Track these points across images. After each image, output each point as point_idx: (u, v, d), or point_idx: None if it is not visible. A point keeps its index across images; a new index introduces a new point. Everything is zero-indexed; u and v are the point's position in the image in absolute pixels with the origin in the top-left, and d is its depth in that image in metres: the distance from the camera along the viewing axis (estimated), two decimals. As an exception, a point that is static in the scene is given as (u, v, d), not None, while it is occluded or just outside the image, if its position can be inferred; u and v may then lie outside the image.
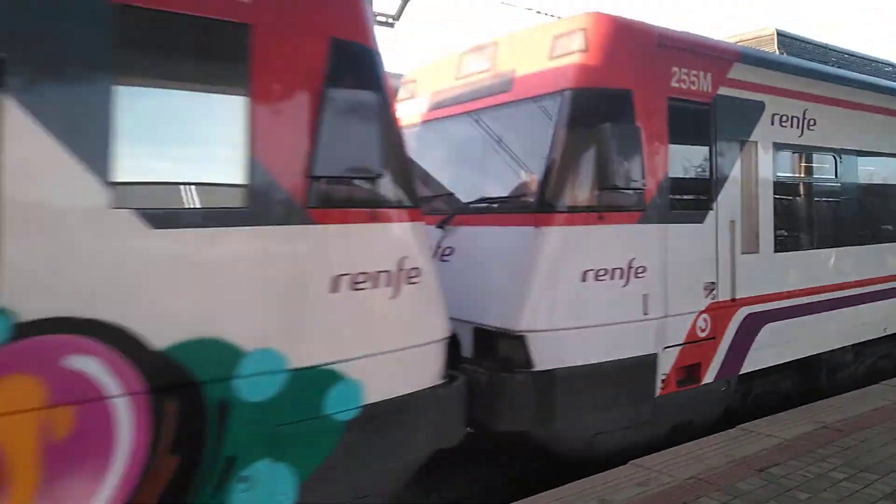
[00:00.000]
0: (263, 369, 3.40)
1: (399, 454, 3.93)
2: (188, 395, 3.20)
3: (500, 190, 5.34)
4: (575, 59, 5.13)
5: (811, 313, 6.59)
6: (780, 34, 7.80)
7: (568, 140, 4.96)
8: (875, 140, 7.56)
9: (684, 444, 5.20)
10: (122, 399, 3.02)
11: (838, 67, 7.78)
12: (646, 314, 5.19)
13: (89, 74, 2.99)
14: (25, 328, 2.79)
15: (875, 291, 7.36)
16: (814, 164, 6.98)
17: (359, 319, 3.72)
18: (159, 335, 3.12)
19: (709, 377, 5.69)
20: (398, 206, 3.92)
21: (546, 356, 4.76)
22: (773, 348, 6.21)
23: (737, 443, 5.19)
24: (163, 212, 3.17)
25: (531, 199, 5.03)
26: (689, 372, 5.54)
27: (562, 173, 4.94)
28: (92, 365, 2.95)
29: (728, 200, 5.88)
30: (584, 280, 4.90)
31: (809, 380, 6.87)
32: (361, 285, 3.71)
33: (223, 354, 3.28)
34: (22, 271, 2.81)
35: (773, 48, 7.54)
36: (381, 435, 3.79)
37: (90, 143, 2.96)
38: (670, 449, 5.06)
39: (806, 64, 7.01)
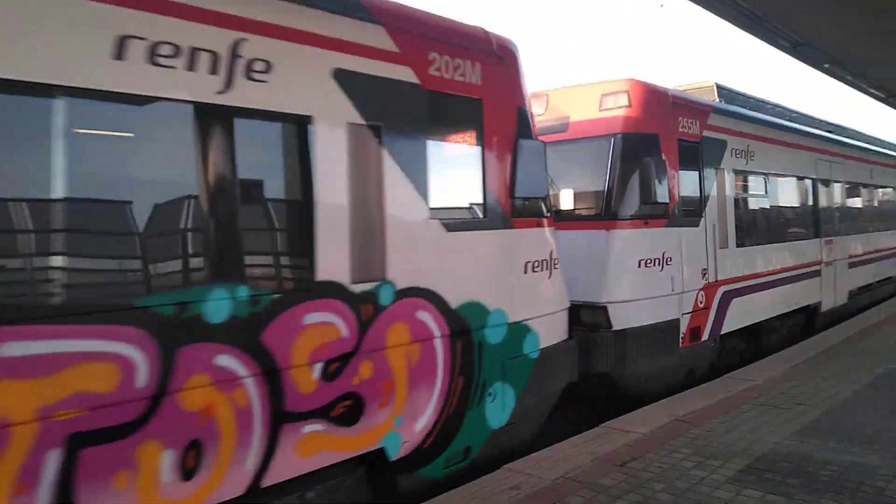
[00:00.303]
0: (498, 322, 5.11)
1: (553, 383, 5.74)
2: (466, 338, 4.86)
3: (578, 204, 7.10)
4: (621, 112, 7.26)
5: (758, 291, 8.99)
6: (719, 86, 10.36)
7: (622, 169, 7.07)
8: (790, 167, 10.47)
9: (553, 445, 5.42)
10: (439, 339, 4.66)
11: (763, 114, 10.62)
12: (673, 290, 7.36)
13: (419, 135, 4.64)
14: (399, 293, 4.40)
15: (793, 276, 10.01)
16: (753, 184, 9.42)
17: (536, 291, 5.51)
18: (453, 298, 4.77)
19: (705, 336, 7.94)
20: (548, 216, 5.72)
21: (619, 320, 6.86)
22: (737, 316, 8.52)
23: (600, 440, 5.49)
24: (450, 221, 4.83)
25: (601, 211, 7.11)
26: (694, 332, 7.72)
27: (620, 192, 7.05)
28: (426, 317, 4.58)
29: (711, 210, 8.17)
30: (638, 266, 7.03)
31: (754, 341, 9.21)
32: (536, 268, 5.50)
33: (481, 311, 4.99)
34: (396, 259, 4.39)
35: (712, 97, 9.73)
36: (547, 370, 5.59)
37: (421, 180, 4.60)
38: (539, 451, 5.25)
39: (749, 112, 9.77)
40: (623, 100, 7.30)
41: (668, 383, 7.38)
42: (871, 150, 15.08)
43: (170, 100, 3.38)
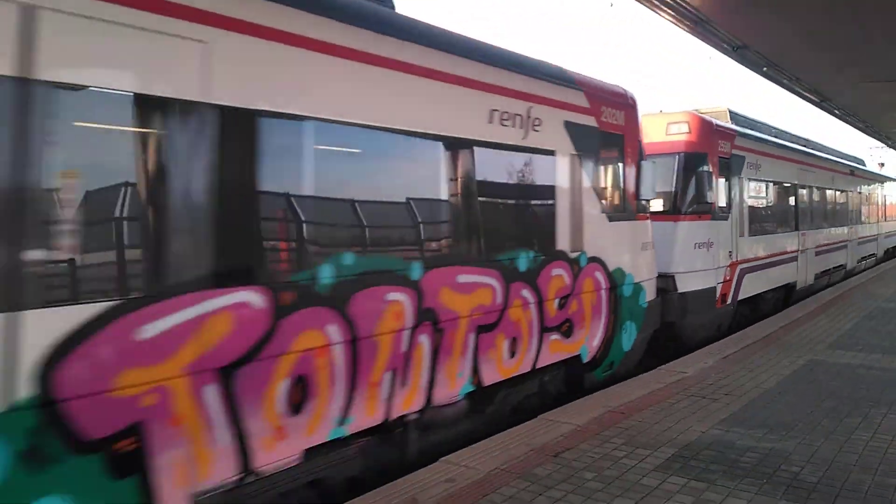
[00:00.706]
0: (629, 282, 7.65)
1: (650, 327, 8.32)
2: (615, 291, 7.37)
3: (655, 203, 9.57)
4: (683, 137, 10.27)
5: (760, 270, 12.10)
6: (731, 112, 12.59)
7: (683, 179, 10.09)
8: (781, 174, 13.66)
9: (491, 436, 5.53)
10: (604, 290, 7.18)
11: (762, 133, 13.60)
12: (713, 266, 10.29)
13: (595, 159, 7.13)
14: (589, 259, 6.89)
15: (781, 259, 13.24)
16: (760, 189, 12.72)
17: (646, 263, 8.09)
18: (611, 265, 7.28)
19: (728, 301, 10.91)
20: (647, 210, 8.25)
21: (682, 286, 9.67)
22: (747, 288, 11.56)
23: (536, 432, 5.63)
24: (610, 214, 7.33)
25: (670, 207, 10.03)
26: (723, 297, 10.68)
27: (682, 195, 10.06)
28: (599, 275, 7.09)
29: (735, 208, 11.17)
30: (694, 248, 10.00)
31: (754, 308, 12.21)
32: (645, 248, 8.06)
33: (622, 274, 7.51)
34: (587, 237, 6.88)
35: (725, 120, 11.97)
36: (649, 317, 8.21)
37: (597, 188, 7.13)
38: (477, 444, 5.35)
39: (757, 134, 12.96)
40: (684, 128, 10.30)
41: (706, 335, 10.27)
42: (831, 159, 18.31)
43: (508, 145, 6.02)
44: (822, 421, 5.92)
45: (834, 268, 17.27)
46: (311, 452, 4.29)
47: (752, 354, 8.69)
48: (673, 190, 10.00)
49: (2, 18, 2.97)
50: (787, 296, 13.76)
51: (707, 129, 10.40)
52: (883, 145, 33.21)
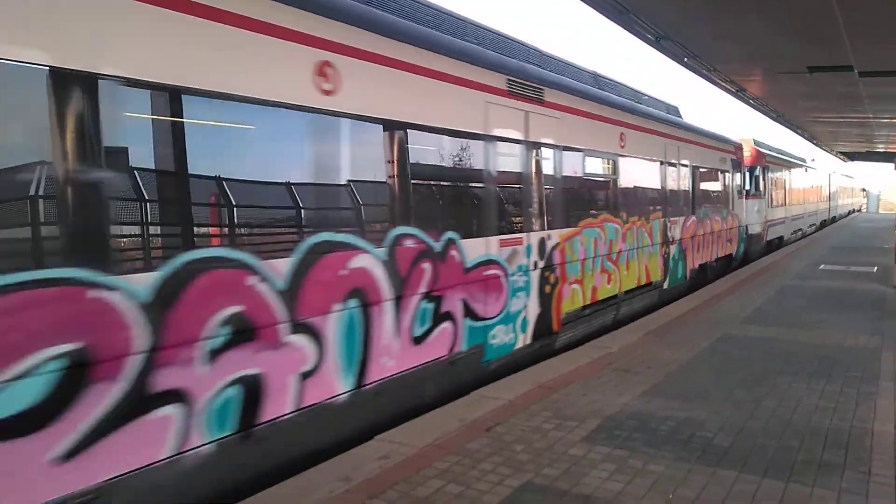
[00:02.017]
0: (744, 225, 19.05)
1: (746, 246, 19.04)
2: (742, 228, 18.59)
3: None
4: (749, 155, 19.46)
5: (774, 226, 23.16)
6: (755, 141, 21.23)
7: (750, 178, 19.22)
8: (777, 171, 23.94)
9: (424, 414, 5.60)
10: (741, 227, 18.42)
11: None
12: (761, 221, 20.60)
13: (733, 174, 17.42)
14: (736, 214, 17.51)
15: (781, 220, 24.82)
16: (773, 180, 22.83)
17: (751, 218, 19.44)
18: (741, 216, 18.68)
19: (764, 240, 21.50)
20: (751, 194, 19.97)
21: (750, 230, 19.27)
22: (770, 233, 22.33)
23: (470, 408, 5.75)
24: (740, 195, 17.93)
25: (746, 193, 18.51)
26: (762, 237, 21.24)
27: (751, 186, 19.32)
28: (738, 220, 17.88)
29: (765, 192, 20.94)
30: (756, 212, 19.91)
31: (769, 245, 22.50)
32: (748, 211, 18.96)
33: (742, 221, 18.73)
34: (743, 213, 18.45)
35: (750, 145, 20.26)
36: (747, 242, 18.99)
37: (737, 183, 17.88)
38: (411, 421, 5.42)
39: (769, 152, 22.56)
40: (749, 152, 19.53)
41: (759, 254, 20.52)
42: (799, 163, 30.43)
43: (718, 169, 15.82)
44: (734, 390, 6.32)
45: (799, 230, 29.56)
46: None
47: (672, 330, 9.15)
48: (748, 184, 18.84)
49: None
50: (779, 244, 24.58)
51: (757, 151, 20.47)
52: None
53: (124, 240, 3.76)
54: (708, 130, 15.20)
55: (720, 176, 15.78)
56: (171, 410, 3.76)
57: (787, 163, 26.48)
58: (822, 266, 17.55)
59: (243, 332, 4.15)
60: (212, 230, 4.28)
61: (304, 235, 4.72)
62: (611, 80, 11.72)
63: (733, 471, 4.47)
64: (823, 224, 39.05)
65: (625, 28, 11.33)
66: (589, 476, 4.37)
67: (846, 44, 10.82)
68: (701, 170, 14.05)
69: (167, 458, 3.74)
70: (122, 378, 3.51)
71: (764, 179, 20.73)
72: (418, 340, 5.77)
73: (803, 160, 32.33)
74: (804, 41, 11.20)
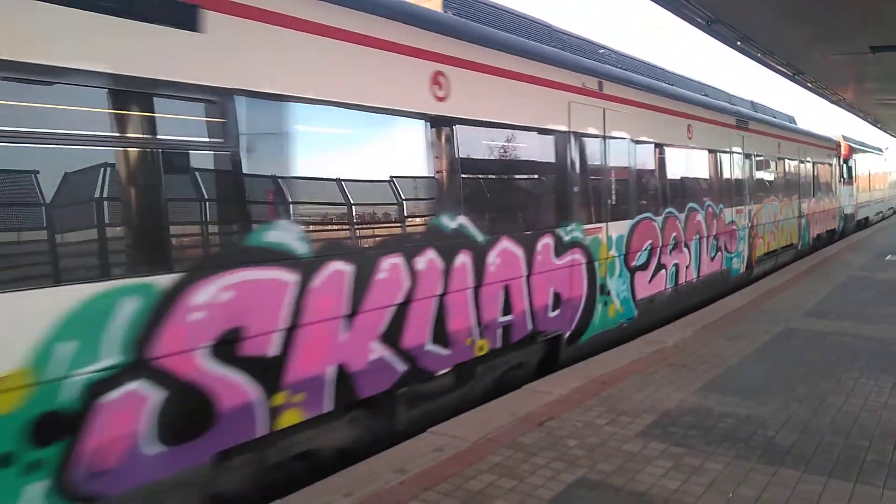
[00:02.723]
0: (843, 206, 23.76)
1: (844, 224, 23.77)
2: (841, 209, 23.35)
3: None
4: (845, 150, 22.99)
5: (863, 207, 27.65)
6: (844, 136, 24.06)
7: (846, 169, 23.29)
8: (867, 165, 28.01)
9: (477, 407, 5.62)
10: (841, 208, 22.93)
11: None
12: (853, 203, 25.01)
13: (839, 163, 22.76)
14: (838, 198, 22.33)
15: (866, 204, 28.42)
16: (859, 169, 25.86)
17: (848, 200, 24.12)
18: (841, 199, 23.18)
19: (855, 219, 25.69)
20: (847, 182, 24.55)
21: (846, 211, 23.90)
22: (858, 215, 26.43)
23: (521, 401, 5.73)
24: (839, 182, 22.29)
25: (837, 182, 22.34)
26: (854, 216, 25.31)
27: (847, 175, 23.46)
28: (837, 202, 22.58)
29: (853, 181, 24.89)
30: (850, 196, 24.26)
31: (862, 226, 27.49)
32: (846, 195, 23.86)
33: (840, 202, 23.14)
34: (836, 190, 22.07)
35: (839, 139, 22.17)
36: (845, 220, 24.07)
37: (840, 172, 22.81)
38: (464, 414, 5.44)
39: (859, 145, 26.68)
40: (843, 146, 22.69)
41: (853, 231, 24.78)
42: (870, 149, 30.30)
43: (824, 163, 20.36)
44: (797, 387, 6.10)
45: (880, 213, 32.92)
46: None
47: (730, 324, 8.89)
48: (843, 173, 22.48)
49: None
50: (866, 222, 27.78)
51: (849, 146, 23.53)
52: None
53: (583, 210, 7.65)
54: (821, 134, 20.89)
55: (828, 168, 20.82)
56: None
57: (868, 153, 29.38)
58: (888, 257, 16.73)
59: (671, 247, 9.72)
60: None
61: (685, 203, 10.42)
62: (768, 107, 17.56)
63: (796, 470, 4.32)
64: None
65: (674, 13, 11.02)
66: (644, 473, 4.30)
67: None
68: (818, 164, 19.32)
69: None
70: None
71: (853, 169, 24.65)
72: (713, 259, 11.34)
73: (880, 150, 34.02)
74: (866, 19, 10.67)
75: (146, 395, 3.56)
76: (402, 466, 4.40)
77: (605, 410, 5.51)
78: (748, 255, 13.06)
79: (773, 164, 15.02)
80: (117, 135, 3.58)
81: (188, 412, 3.74)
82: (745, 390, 5.99)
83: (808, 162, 18.01)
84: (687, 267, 10.21)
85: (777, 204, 15.02)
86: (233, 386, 3.95)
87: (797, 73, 16.59)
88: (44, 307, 3.21)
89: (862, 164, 26.75)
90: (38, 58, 3.25)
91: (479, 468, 4.38)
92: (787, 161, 16.06)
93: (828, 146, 20.87)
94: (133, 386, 3.49)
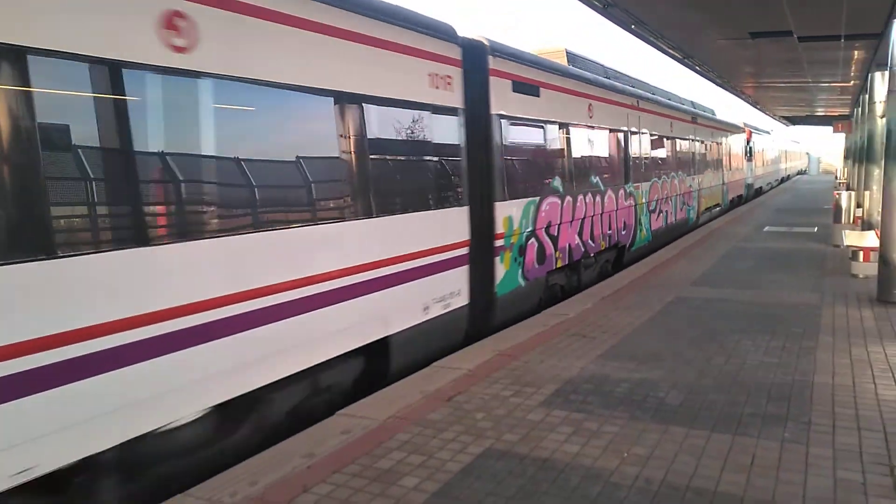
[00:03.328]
0: None
1: None
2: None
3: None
4: (746, 134, 30.46)
5: (759, 179, 34.85)
6: (746, 123, 30.71)
7: (748, 150, 30.14)
8: (719, 138, 24.25)
9: (384, 388, 5.63)
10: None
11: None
12: (753, 176, 32.10)
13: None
14: (748, 182, 31.36)
15: (764, 178, 37.24)
16: (754, 148, 31.57)
17: None
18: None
19: (753, 188, 32.42)
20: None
21: None
22: (756, 184, 33.26)
23: (430, 379, 5.81)
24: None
25: (747, 158, 30.18)
26: (752, 186, 32.06)
27: (748, 155, 30.08)
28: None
29: (752, 157, 31.45)
30: (749, 170, 31.26)
31: (760, 193, 35.19)
32: None
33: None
34: (749, 172, 31.24)
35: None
36: None
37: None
38: (372, 395, 5.44)
39: (753, 129, 32.96)
40: (747, 131, 29.45)
41: (753, 197, 31.56)
42: (760, 129, 35.65)
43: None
44: (685, 350, 6.55)
45: (769, 183, 39.83)
46: None
47: (626, 295, 9.38)
48: (747, 153, 28.20)
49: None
50: (759, 191, 33.29)
51: (750, 131, 28.62)
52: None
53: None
54: (734, 122, 26.66)
55: (739, 149, 27.02)
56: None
57: (762, 135, 35.68)
58: (766, 228, 18.18)
59: (664, 200, 15.84)
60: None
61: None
62: (703, 105, 22.96)
63: (684, 427, 4.65)
64: (783, 180, 50.94)
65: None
66: (547, 440, 4.49)
67: (785, 9, 11.07)
68: (731, 146, 25.27)
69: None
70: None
71: (752, 149, 30.44)
72: (681, 210, 17.59)
73: (768, 132, 40.68)
74: (747, 7, 11.41)
75: (533, 244, 8.78)
76: (310, 451, 4.35)
77: (511, 382, 5.68)
78: (697, 209, 19.52)
79: (708, 147, 21.04)
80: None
81: (540, 252, 9.04)
82: (639, 356, 6.35)
83: (727, 144, 24.47)
84: (671, 213, 16.46)
85: (711, 175, 21.38)
86: (547, 245, 9.22)
87: (686, 57, 17.53)
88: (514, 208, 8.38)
89: (758, 145, 33.44)
90: None
91: (389, 447, 4.41)
92: (715, 144, 22.22)
93: (738, 131, 27.38)
94: (532, 240, 8.73)
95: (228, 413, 4.53)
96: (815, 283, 9.97)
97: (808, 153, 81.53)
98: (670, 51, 16.03)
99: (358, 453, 4.31)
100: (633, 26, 13.54)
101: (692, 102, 21.04)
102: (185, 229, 4.12)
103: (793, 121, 46.60)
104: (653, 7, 12.08)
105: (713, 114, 23.40)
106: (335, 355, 5.36)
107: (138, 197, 3.86)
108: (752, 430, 4.57)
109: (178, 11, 4.03)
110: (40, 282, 3.36)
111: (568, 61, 11.32)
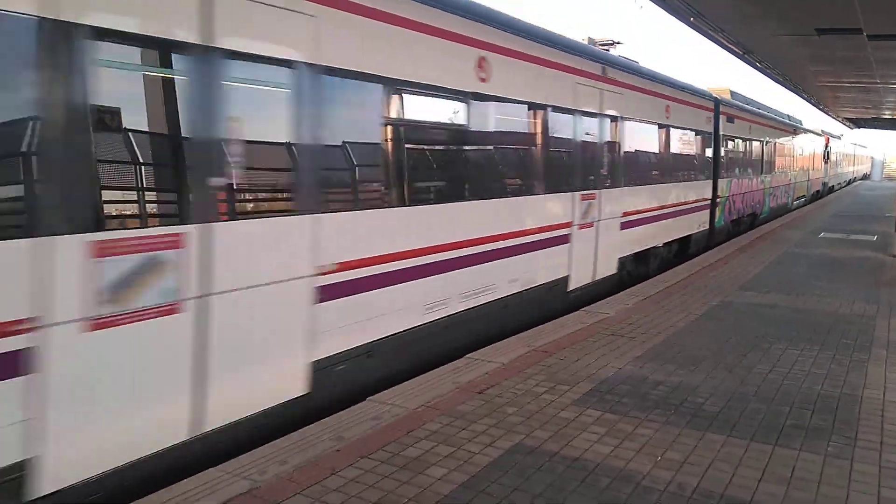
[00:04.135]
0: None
1: None
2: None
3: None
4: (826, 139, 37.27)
5: (832, 178, 42.71)
6: (823, 130, 35.28)
7: (825, 153, 36.46)
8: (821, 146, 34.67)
9: (418, 376, 5.64)
10: None
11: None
12: (827, 176, 39.36)
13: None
14: (824, 181, 38.13)
15: (837, 178, 45.31)
16: (830, 152, 37.31)
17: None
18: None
19: (827, 186, 39.38)
20: None
21: None
22: (830, 182, 41.19)
23: (463, 370, 5.79)
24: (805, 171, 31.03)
25: (824, 159, 36.65)
26: (827, 184, 39.46)
27: (826, 157, 37.16)
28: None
29: (828, 160, 38.11)
30: (826, 171, 38.57)
31: (834, 190, 42.75)
32: None
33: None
34: (824, 173, 37.89)
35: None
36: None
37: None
38: (404, 383, 5.46)
39: (830, 135, 39.06)
40: (825, 138, 35.50)
41: (825, 194, 37.42)
42: (833, 134, 40.40)
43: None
44: (728, 356, 6.35)
45: (839, 183, 43.76)
46: None
47: (670, 296, 9.15)
48: (825, 155, 33.55)
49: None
50: (831, 189, 39.12)
51: (828, 137, 33.65)
52: None
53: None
54: (817, 130, 31.12)
55: (821, 152, 33.03)
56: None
57: (836, 140, 39.93)
58: (822, 234, 17.48)
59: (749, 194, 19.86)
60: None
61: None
62: (800, 119, 29.08)
63: (722, 434, 4.51)
64: (850, 182, 55.92)
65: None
66: (578, 438, 4.42)
67: (856, 5, 10.55)
68: (816, 149, 30.94)
69: None
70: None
71: (828, 153, 35.69)
72: (778, 198, 23.70)
73: (839, 136, 44.66)
74: (814, 2, 10.93)
75: (728, 203, 16.83)
76: (339, 434, 4.39)
77: (545, 379, 5.62)
78: (792, 197, 26.31)
79: (801, 151, 27.50)
80: None
81: (731, 208, 17.12)
82: (679, 359, 6.19)
83: (812, 149, 30.70)
84: (779, 197, 23.19)
85: (801, 173, 27.91)
86: (735, 205, 17.38)
87: (746, 52, 16.93)
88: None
89: (833, 149, 38.75)
90: None
91: (417, 435, 4.42)
92: (804, 149, 28.30)
93: (819, 137, 33.13)
94: (728, 201, 16.83)
95: (475, 315, 6.86)
96: (871, 294, 9.54)
97: (872, 157, 78.19)
98: (730, 45, 15.52)
99: (387, 440, 4.33)
100: (691, 19, 13.14)
101: (788, 115, 26.68)
102: (471, 196, 6.88)
103: (857, 123, 44.62)
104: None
105: (801, 123, 28.72)
106: (662, 243, 12.44)
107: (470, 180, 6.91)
108: (794, 442, 4.40)
109: (483, 57, 6.67)
110: (401, 221, 5.79)
111: (731, 96, 17.96)
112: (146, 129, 3.89)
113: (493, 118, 7.11)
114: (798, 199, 27.61)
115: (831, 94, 27.36)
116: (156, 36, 3.76)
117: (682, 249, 13.49)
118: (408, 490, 3.70)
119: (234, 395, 4.27)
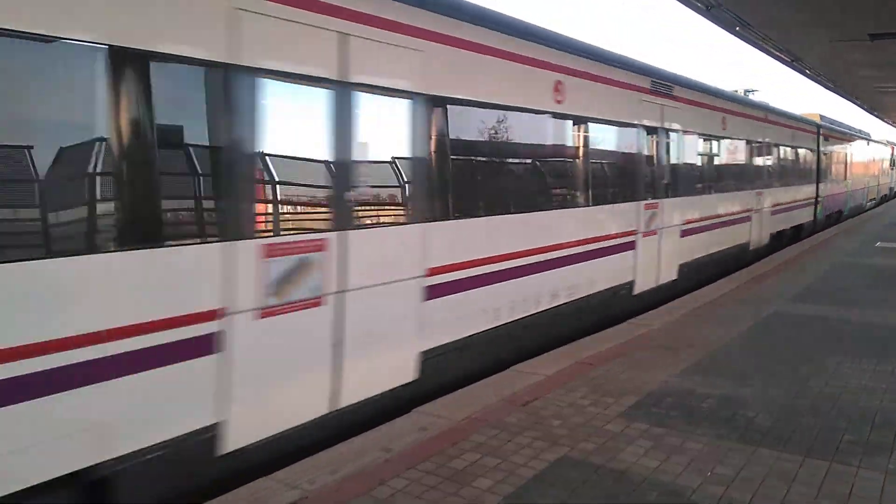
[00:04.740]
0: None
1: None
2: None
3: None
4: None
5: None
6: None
7: (892, 160, 41.09)
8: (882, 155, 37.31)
9: (463, 388, 5.68)
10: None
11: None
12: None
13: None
14: (892, 185, 43.49)
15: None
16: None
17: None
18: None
19: (894, 190, 44.33)
20: None
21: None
22: None
23: (508, 382, 5.80)
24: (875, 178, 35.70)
25: (892, 166, 42.34)
26: (894, 189, 44.65)
27: (892, 164, 41.81)
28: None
29: (893, 168, 42.98)
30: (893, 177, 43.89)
31: None
32: None
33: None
34: (892, 179, 43.22)
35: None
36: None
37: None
38: (450, 394, 5.50)
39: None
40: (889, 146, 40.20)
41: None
42: None
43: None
44: (780, 369, 6.18)
45: (891, 189, 43.51)
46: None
47: (718, 308, 8.97)
48: (891, 162, 39.92)
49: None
50: (889, 195, 41.04)
51: (893, 146, 38.88)
52: None
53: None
54: (884, 140, 34.94)
55: (888, 161, 37.08)
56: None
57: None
58: (878, 243, 16.85)
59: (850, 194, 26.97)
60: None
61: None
62: (864, 130, 31.91)
63: (774, 450, 4.40)
64: None
65: (672, -3, 10.97)
66: (625, 452, 4.38)
67: (910, 8, 10.23)
68: (884, 158, 35.63)
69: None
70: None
71: (894, 161, 39.40)
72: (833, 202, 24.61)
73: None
74: (865, 6, 10.64)
75: (823, 202, 21.44)
76: (387, 445, 4.46)
77: (590, 391, 5.58)
78: (865, 199, 30.73)
79: (872, 159, 31.68)
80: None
81: (825, 206, 21.89)
82: (728, 372, 6.06)
83: (881, 157, 34.69)
84: (857, 199, 27.92)
85: (871, 178, 32.20)
86: (827, 204, 21.85)
87: (795, 60, 16.55)
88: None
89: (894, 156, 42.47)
90: None
91: (463, 447, 4.45)
92: (874, 157, 32.04)
93: (886, 146, 37.16)
94: (822, 200, 21.39)
95: (554, 314, 7.30)
96: (933, 306, 9.14)
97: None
98: (777, 53, 15.20)
99: (433, 451, 4.37)
100: (737, 28, 12.94)
101: (860, 129, 29.65)
102: (552, 205, 7.41)
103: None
104: (760, 7, 11.51)
105: (870, 136, 31.85)
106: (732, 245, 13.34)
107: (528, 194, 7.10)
108: (851, 459, 4.27)
109: (559, 80, 7.17)
110: (463, 233, 5.96)
111: (820, 119, 21.53)
112: (304, 155, 4.63)
113: (569, 135, 7.65)
114: (870, 200, 32.16)
115: (885, 100, 26.45)
116: (311, 75, 4.51)
117: (794, 235, 17.97)
118: (455, 501, 3.73)
119: (362, 378, 4.93)
